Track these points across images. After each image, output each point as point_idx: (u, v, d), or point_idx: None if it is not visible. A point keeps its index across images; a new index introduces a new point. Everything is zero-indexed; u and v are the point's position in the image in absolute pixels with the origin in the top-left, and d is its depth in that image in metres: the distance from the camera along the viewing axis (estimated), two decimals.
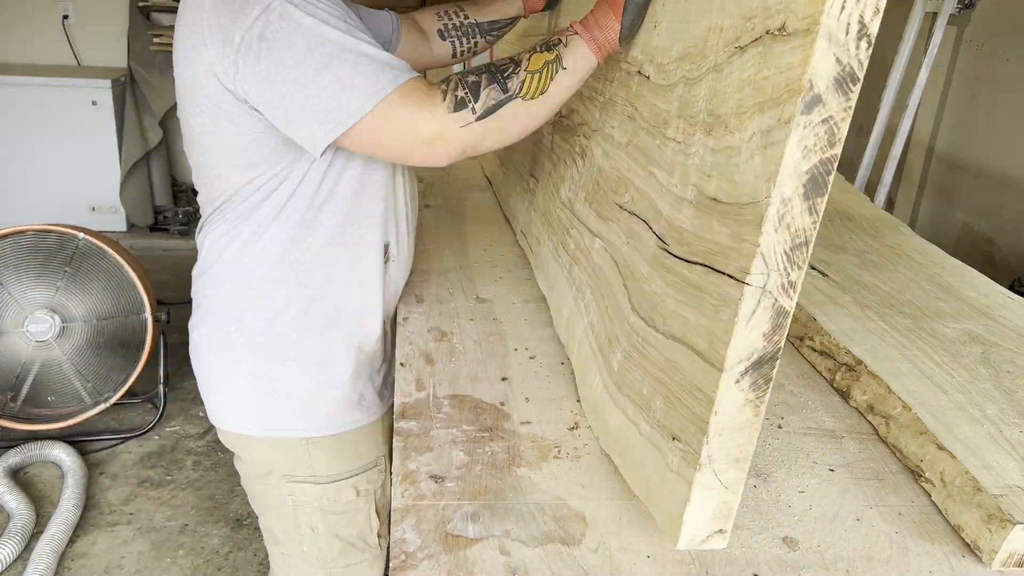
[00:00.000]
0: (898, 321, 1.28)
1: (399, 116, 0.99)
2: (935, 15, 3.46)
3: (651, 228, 0.92)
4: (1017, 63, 3.31)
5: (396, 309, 1.35)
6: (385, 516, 1.35)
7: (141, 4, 4.48)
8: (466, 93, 1.02)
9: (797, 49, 0.64)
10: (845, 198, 1.91)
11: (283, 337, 1.18)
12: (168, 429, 2.83)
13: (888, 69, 3.71)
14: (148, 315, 2.60)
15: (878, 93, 3.81)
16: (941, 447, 0.96)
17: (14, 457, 2.51)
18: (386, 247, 1.23)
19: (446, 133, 1.01)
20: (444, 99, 1.01)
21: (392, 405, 1.33)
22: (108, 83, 4.27)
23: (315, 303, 1.18)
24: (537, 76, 1.04)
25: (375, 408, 1.29)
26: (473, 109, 1.01)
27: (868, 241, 1.64)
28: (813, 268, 1.47)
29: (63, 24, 4.59)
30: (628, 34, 1.06)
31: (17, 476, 2.50)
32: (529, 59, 1.04)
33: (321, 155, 1.03)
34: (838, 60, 0.62)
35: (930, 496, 0.96)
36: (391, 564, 0.82)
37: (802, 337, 1.31)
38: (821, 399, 1.19)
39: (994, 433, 0.99)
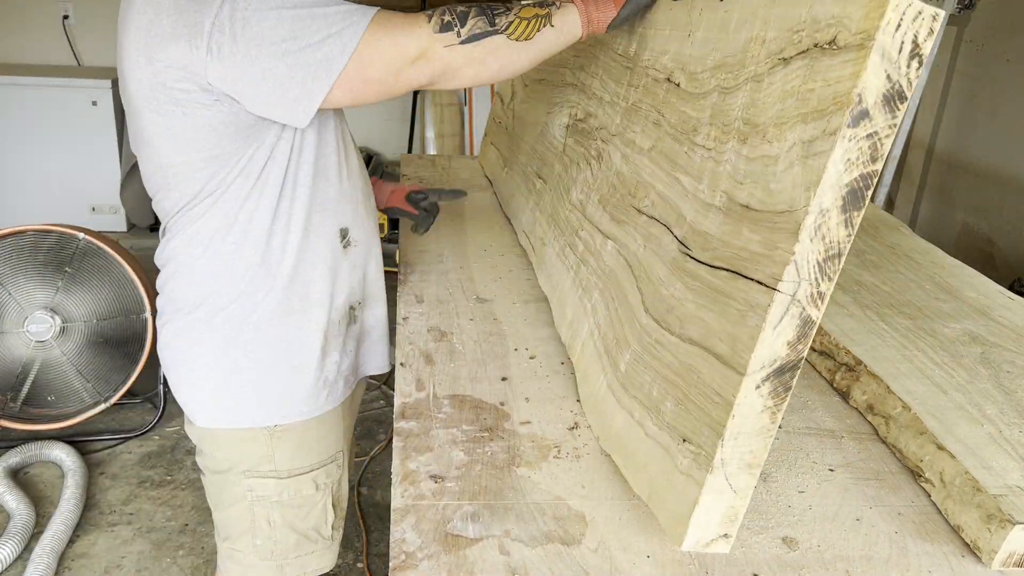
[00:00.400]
0: (898, 321, 1.28)
1: (384, 42, 1.04)
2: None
3: (672, 232, 0.92)
4: (1017, 63, 3.31)
5: (363, 299, 1.32)
6: (341, 509, 1.37)
7: None
8: (453, 18, 1.07)
9: (848, 63, 0.65)
10: None
11: (256, 327, 1.18)
12: (168, 429, 2.83)
13: None
14: (148, 315, 2.60)
15: None
16: (941, 447, 0.96)
17: (14, 457, 2.51)
18: (344, 232, 1.23)
19: (430, 51, 1.06)
20: (429, 21, 1.07)
21: (352, 393, 1.37)
22: (108, 83, 4.27)
23: (286, 291, 1.18)
24: (525, 23, 1.09)
25: (339, 392, 1.29)
26: (458, 33, 1.07)
27: (868, 241, 1.64)
28: None
29: (63, 24, 4.59)
30: (618, 24, 1.15)
31: (17, 476, 2.50)
32: (520, 7, 1.11)
33: (307, 124, 1.07)
34: (888, 77, 0.63)
35: (930, 496, 0.96)
36: (391, 564, 0.82)
37: None
38: (821, 399, 1.19)
39: (994, 433, 0.99)
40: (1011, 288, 2.19)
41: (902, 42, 0.62)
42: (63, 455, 2.52)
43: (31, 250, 2.52)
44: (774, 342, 0.70)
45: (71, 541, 2.24)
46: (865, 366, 1.14)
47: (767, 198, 0.73)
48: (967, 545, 0.89)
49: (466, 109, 4.40)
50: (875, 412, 1.11)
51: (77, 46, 4.63)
